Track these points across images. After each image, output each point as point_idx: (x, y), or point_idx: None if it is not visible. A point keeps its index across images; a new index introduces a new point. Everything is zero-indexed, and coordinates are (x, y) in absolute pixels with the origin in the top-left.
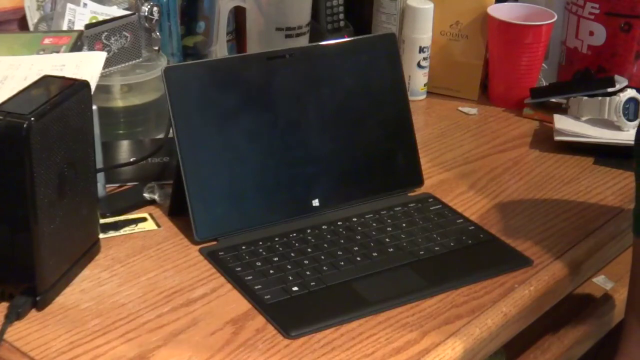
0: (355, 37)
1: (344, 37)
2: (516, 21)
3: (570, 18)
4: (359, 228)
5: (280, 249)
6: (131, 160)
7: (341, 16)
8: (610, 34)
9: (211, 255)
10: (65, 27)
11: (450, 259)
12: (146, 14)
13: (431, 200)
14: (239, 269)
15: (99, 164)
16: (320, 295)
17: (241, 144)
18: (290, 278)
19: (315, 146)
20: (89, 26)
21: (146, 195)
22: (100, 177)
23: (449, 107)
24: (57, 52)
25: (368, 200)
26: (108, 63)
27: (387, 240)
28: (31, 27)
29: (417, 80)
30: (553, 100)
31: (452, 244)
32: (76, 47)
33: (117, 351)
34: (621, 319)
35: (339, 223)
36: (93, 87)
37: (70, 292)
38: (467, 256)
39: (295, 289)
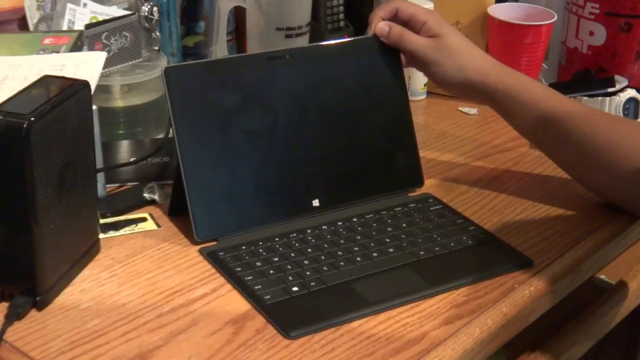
0: (355, 37)
1: (344, 37)
2: (516, 21)
3: (570, 18)
4: (359, 228)
5: (280, 249)
6: (131, 160)
7: (341, 16)
8: (611, 34)
9: (211, 256)
10: (65, 27)
11: (450, 259)
12: (146, 14)
13: (431, 200)
14: (239, 269)
15: (99, 164)
16: (320, 296)
17: (241, 144)
18: (290, 278)
19: (315, 146)
20: (89, 26)
21: (146, 195)
22: (100, 177)
23: (449, 107)
24: (57, 52)
25: (368, 201)
26: (108, 63)
27: (387, 240)
28: (31, 27)
29: (417, 80)
30: None
31: (452, 244)
32: (76, 47)
33: (117, 351)
34: (621, 319)
35: (339, 223)
36: (93, 87)
37: (70, 292)
38: (467, 256)
39: (295, 289)
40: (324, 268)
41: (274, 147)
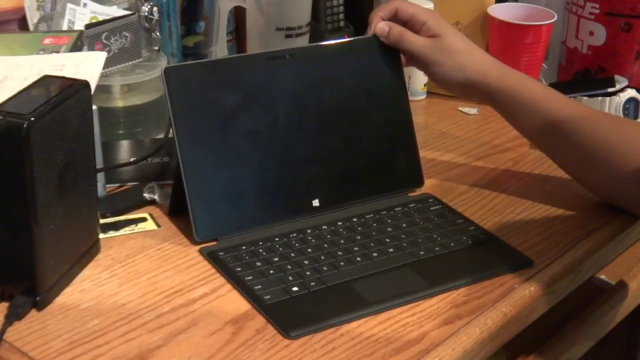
0: (355, 37)
1: (344, 37)
2: (516, 21)
3: (570, 18)
4: (359, 228)
5: (280, 249)
6: (131, 160)
7: (341, 16)
8: (611, 34)
9: (211, 256)
10: (65, 27)
11: (450, 259)
12: (146, 14)
13: (431, 200)
14: (239, 269)
15: (99, 164)
16: (320, 296)
17: (241, 144)
18: (290, 278)
19: (315, 146)
20: (89, 26)
21: (146, 195)
22: (100, 177)
23: (449, 107)
24: (57, 52)
25: (368, 201)
26: (108, 63)
27: (387, 240)
28: (31, 27)
29: (417, 80)
30: None
31: (452, 244)
32: (76, 47)
33: (117, 351)
34: (621, 319)
35: (339, 223)
36: (93, 87)
37: (70, 292)
38: (467, 256)
39: (295, 289)
40: (324, 268)
41: (274, 147)
